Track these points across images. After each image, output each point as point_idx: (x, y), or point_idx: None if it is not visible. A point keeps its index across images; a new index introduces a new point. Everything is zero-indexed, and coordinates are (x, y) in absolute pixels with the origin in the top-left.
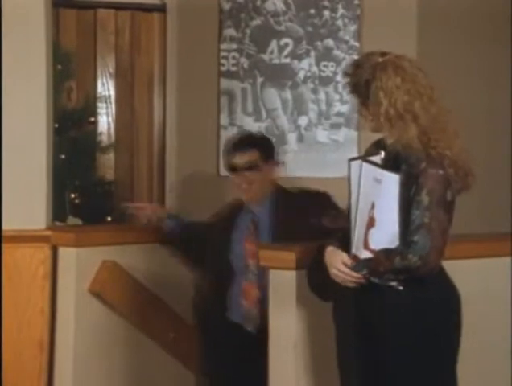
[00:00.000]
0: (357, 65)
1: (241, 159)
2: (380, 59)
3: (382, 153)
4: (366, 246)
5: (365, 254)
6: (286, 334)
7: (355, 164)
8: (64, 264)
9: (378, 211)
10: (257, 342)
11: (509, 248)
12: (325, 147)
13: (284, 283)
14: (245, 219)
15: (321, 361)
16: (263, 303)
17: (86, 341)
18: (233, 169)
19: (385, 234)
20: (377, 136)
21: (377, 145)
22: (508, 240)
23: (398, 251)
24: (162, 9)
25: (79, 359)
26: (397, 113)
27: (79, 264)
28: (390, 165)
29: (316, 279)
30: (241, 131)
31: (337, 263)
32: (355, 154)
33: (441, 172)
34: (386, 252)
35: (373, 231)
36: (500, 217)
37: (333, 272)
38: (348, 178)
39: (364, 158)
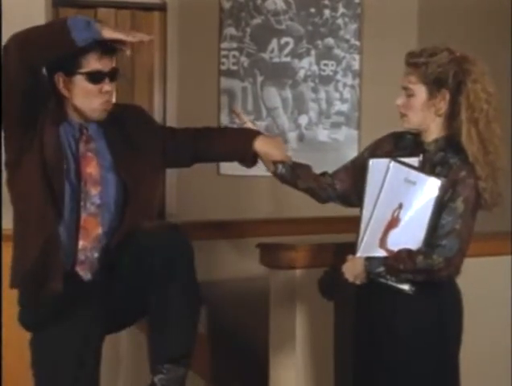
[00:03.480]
0: (430, 53)
1: (112, 65)
2: (458, 54)
3: (421, 156)
4: (383, 245)
5: (380, 253)
6: (287, 334)
7: (378, 163)
8: None
9: (407, 212)
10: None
11: (510, 247)
12: (326, 146)
13: (285, 282)
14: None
15: (321, 361)
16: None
17: None
18: (99, 75)
19: (408, 236)
20: (376, 135)
21: (398, 140)
22: (508, 239)
23: (421, 251)
24: (162, 8)
25: None
26: (473, 109)
27: None
28: (427, 166)
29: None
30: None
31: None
32: (355, 153)
33: (476, 181)
34: (408, 251)
35: (394, 231)
36: (500, 216)
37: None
38: (365, 177)
39: (395, 159)
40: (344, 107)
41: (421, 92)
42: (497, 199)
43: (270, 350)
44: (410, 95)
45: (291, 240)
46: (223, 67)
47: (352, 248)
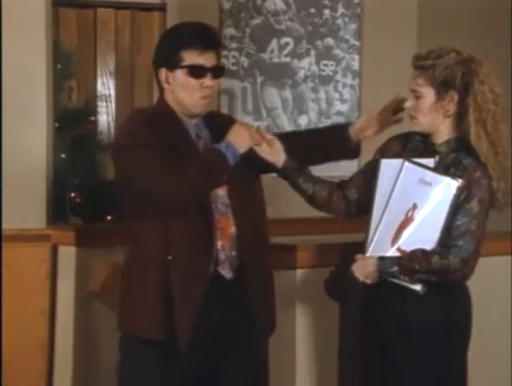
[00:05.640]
0: (437, 55)
1: (215, 60)
2: (465, 55)
3: (437, 157)
4: (395, 245)
5: (392, 252)
6: (287, 333)
7: (390, 163)
8: (65, 263)
9: (421, 212)
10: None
11: (510, 247)
12: None
13: (285, 282)
14: (190, 132)
15: (321, 360)
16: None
17: (86, 340)
18: (200, 69)
19: (421, 237)
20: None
21: (407, 141)
22: (508, 239)
23: (436, 251)
24: (162, 8)
25: (78, 359)
26: (480, 111)
27: (79, 263)
28: (439, 168)
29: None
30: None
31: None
32: None
33: (489, 182)
34: (423, 251)
35: (408, 231)
36: (500, 216)
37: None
38: (376, 177)
39: (409, 159)
40: (344, 107)
41: (429, 94)
42: (508, 198)
43: (270, 351)
44: (418, 97)
45: (291, 240)
46: None
47: (353, 247)
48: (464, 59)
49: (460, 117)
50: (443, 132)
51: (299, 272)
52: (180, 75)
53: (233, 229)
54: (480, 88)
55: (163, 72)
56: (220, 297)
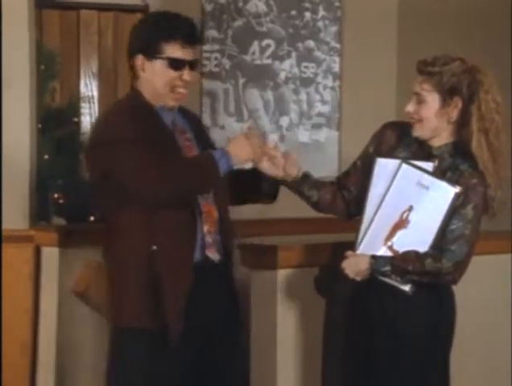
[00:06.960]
0: (443, 63)
1: (193, 55)
2: (470, 64)
3: (436, 162)
4: (387, 244)
5: (383, 252)
6: (268, 334)
7: (387, 163)
8: (48, 263)
9: (417, 215)
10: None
11: (510, 245)
12: (307, 147)
13: (265, 283)
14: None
15: (303, 361)
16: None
17: (69, 341)
18: (181, 62)
19: (415, 239)
20: (356, 135)
21: (402, 135)
22: (508, 238)
23: (429, 254)
24: (144, 9)
25: (61, 360)
26: (484, 120)
27: (62, 264)
28: (437, 172)
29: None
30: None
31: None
32: (336, 154)
33: (486, 190)
34: (416, 253)
35: (402, 232)
36: (500, 216)
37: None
38: (370, 175)
39: (407, 161)
40: (325, 108)
41: (434, 99)
42: (502, 207)
43: (252, 350)
44: (421, 101)
45: (280, 239)
46: (205, 69)
47: (341, 247)
48: (470, 69)
49: (462, 124)
50: (442, 136)
51: (281, 272)
52: (159, 65)
53: (216, 214)
54: (484, 97)
55: (140, 59)
56: (210, 282)
